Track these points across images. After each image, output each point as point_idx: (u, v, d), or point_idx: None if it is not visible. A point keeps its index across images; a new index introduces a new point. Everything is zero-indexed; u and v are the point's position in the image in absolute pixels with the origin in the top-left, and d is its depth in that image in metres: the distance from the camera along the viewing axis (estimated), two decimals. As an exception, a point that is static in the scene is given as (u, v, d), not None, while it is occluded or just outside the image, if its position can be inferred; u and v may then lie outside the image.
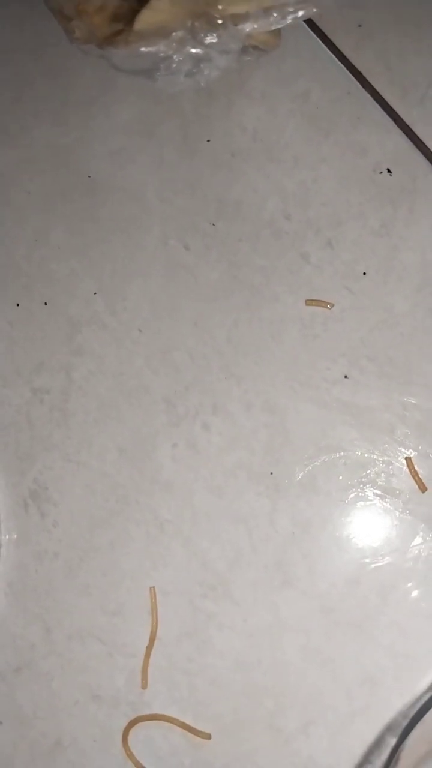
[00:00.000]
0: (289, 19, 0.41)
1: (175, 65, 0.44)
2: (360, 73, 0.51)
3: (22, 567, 0.51)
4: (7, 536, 0.52)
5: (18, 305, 0.55)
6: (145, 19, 0.42)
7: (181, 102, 0.53)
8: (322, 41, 0.51)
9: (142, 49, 0.44)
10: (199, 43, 0.41)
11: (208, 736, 0.47)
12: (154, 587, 0.49)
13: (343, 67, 0.51)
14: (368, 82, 0.51)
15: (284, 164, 0.51)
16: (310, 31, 0.51)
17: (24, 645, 0.50)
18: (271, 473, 0.48)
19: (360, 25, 0.51)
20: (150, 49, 0.44)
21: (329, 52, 0.51)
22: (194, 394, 0.50)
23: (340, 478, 0.47)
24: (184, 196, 0.53)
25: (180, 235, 0.52)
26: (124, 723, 0.48)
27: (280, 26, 0.42)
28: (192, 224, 0.52)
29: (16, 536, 0.52)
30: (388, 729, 0.45)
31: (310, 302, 0.49)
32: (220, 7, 0.40)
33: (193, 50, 0.42)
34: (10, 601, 0.51)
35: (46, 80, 0.56)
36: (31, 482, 0.52)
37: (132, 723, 0.48)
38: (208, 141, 0.53)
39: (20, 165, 0.56)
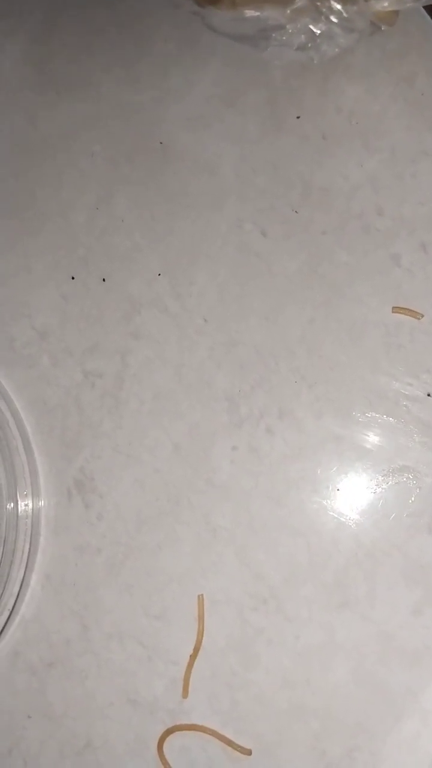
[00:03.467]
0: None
1: (286, 37, 0.39)
2: (474, 60, 0.46)
3: (62, 559, 0.49)
4: (47, 525, 0.49)
5: (73, 278, 0.50)
6: (262, -20, 0.37)
7: (271, 71, 0.48)
8: (435, 19, 0.46)
9: (249, 13, 0.39)
10: (323, 16, 0.36)
11: (248, 752, 0.45)
12: (202, 595, 0.46)
13: (456, 50, 0.46)
14: None
15: (381, 153, 0.47)
16: (422, 9, 0.46)
17: (59, 640, 0.48)
18: (338, 489, 0.45)
19: None
20: (258, 14, 0.39)
21: (442, 32, 0.46)
22: (260, 395, 0.47)
23: (411, 501, 0.44)
24: (265, 175, 0.48)
25: (257, 219, 0.48)
26: (160, 730, 0.46)
27: (411, 6, 0.37)
28: (271, 208, 0.48)
29: (56, 526, 0.49)
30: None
31: (397, 309, 0.45)
32: (355, -22, 0.35)
33: (314, 24, 0.37)
34: (47, 594, 0.49)
35: (121, 30, 0.51)
36: (77, 471, 0.49)
37: (169, 731, 0.46)
38: (298, 118, 0.48)
39: (85, 122, 0.51)
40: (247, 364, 0.47)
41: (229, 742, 0.45)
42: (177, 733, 0.46)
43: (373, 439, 0.45)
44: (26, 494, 0.49)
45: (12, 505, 0.48)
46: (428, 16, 0.46)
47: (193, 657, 0.46)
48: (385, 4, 0.36)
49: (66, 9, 0.53)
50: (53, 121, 0.52)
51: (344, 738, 0.44)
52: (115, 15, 0.51)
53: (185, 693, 0.46)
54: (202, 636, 0.46)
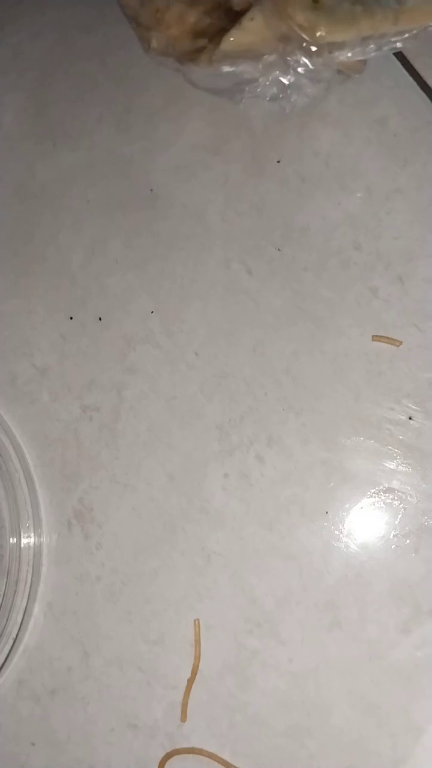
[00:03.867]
0: (384, 50, 0.39)
1: (260, 89, 0.42)
2: (442, 103, 0.49)
3: (63, 588, 0.50)
4: (48, 555, 0.51)
5: (71, 318, 0.53)
6: (235, 39, 0.40)
7: (251, 120, 0.51)
8: (403, 66, 0.49)
9: (225, 68, 0.43)
10: (291, 68, 0.39)
11: (246, 775, 0.46)
12: (198, 619, 0.48)
13: (424, 95, 0.49)
14: (449, 112, 0.49)
15: (357, 193, 0.49)
16: (392, 55, 0.49)
17: (61, 667, 0.50)
18: (326, 512, 0.47)
19: (445, 53, 0.49)
20: (233, 69, 0.43)
21: (410, 78, 0.49)
22: (249, 424, 0.49)
23: (397, 522, 0.46)
24: (249, 217, 0.51)
25: (243, 259, 0.51)
26: (160, 754, 0.47)
27: (373, 55, 0.40)
28: (256, 248, 0.51)
29: (57, 556, 0.51)
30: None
31: (377, 338, 0.47)
32: (318, 34, 0.38)
33: (283, 76, 0.40)
34: (49, 622, 0.50)
35: (111, 85, 0.55)
36: (76, 501, 0.51)
37: (169, 755, 0.47)
38: (278, 162, 0.51)
39: (80, 170, 0.55)
40: (237, 395, 0.50)
41: (227, 764, 0.46)
42: (176, 756, 0.47)
43: (358, 462, 0.47)
44: (28, 526, 0.51)
45: (15, 538, 0.50)
46: (397, 61, 0.50)
47: (191, 681, 0.47)
48: (349, 54, 0.39)
49: (61, 66, 0.57)
50: (50, 170, 0.56)
51: (340, 757, 0.45)
52: (107, 71, 0.55)
53: (184, 716, 0.47)
54: (199, 660, 0.47)
